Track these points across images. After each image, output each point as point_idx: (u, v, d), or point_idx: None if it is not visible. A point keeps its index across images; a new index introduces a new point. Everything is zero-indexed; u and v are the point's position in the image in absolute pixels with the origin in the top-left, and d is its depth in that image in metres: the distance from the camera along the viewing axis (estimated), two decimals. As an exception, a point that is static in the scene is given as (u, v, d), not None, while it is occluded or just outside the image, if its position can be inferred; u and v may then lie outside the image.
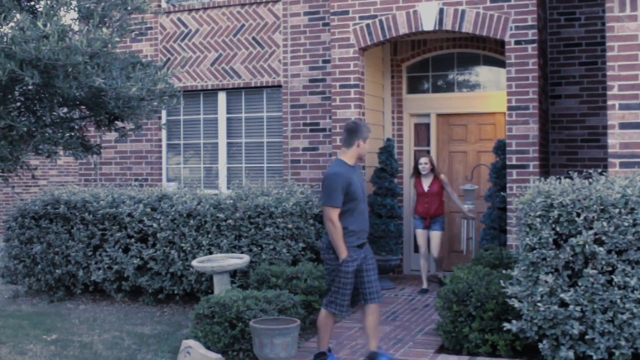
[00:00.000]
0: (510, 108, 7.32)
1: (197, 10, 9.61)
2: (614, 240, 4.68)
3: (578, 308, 4.75)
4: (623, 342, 4.67)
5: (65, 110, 6.25)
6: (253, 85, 9.28)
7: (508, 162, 7.30)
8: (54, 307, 7.88)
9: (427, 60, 9.23)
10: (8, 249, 8.40)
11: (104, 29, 5.06)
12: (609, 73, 5.98)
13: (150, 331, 6.65)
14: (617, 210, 4.68)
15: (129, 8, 5.93)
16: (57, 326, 6.90)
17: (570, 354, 4.80)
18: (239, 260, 6.51)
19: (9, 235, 8.42)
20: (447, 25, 7.60)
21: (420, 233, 8.23)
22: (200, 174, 9.77)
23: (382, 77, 9.23)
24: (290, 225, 7.16)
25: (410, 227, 9.05)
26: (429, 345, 5.81)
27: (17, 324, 7.01)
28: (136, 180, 9.95)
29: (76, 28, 5.53)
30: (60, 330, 6.72)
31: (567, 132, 8.34)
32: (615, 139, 5.93)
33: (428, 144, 9.20)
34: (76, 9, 5.75)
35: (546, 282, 4.84)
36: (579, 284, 4.78)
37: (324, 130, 8.86)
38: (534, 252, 4.90)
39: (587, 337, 4.78)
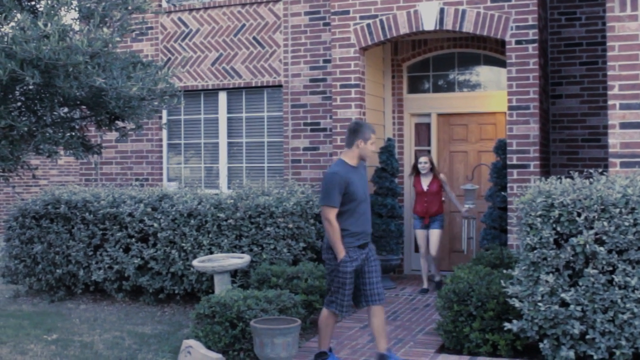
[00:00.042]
0: (511, 108, 7.32)
1: (198, 10, 9.61)
2: (614, 240, 4.68)
3: (579, 308, 4.75)
4: (624, 342, 4.67)
5: (66, 110, 6.25)
6: (254, 85, 9.29)
7: (509, 162, 7.30)
8: (54, 306, 7.88)
9: (428, 60, 9.23)
10: (9, 248, 8.41)
11: (105, 29, 5.05)
12: (609, 73, 5.98)
13: (151, 331, 6.66)
14: (617, 210, 4.68)
15: (129, 8, 5.92)
16: (57, 326, 6.90)
17: (571, 353, 4.80)
18: (239, 260, 6.51)
19: (9, 235, 8.42)
20: (448, 25, 7.59)
21: (420, 233, 8.23)
22: (201, 174, 9.78)
23: (382, 76, 9.22)
24: (290, 225, 7.16)
25: (411, 227, 9.04)
26: (429, 345, 5.82)
27: (18, 323, 7.02)
28: (137, 180, 9.95)
29: (77, 28, 5.53)
30: (61, 330, 6.72)
31: (568, 131, 8.34)
32: (615, 139, 5.93)
33: (429, 144, 9.20)
34: (77, 8, 5.75)
35: (547, 281, 4.84)
36: (580, 283, 4.78)
37: (324, 130, 8.86)
38: (535, 251, 4.90)
39: (587, 336, 4.78)
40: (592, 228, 4.78)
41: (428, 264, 8.33)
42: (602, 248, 4.67)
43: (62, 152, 6.95)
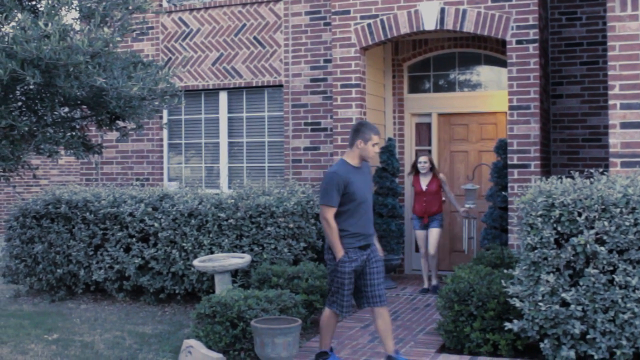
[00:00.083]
0: (511, 107, 7.31)
1: (199, 9, 9.61)
2: (615, 240, 4.68)
3: (579, 307, 4.75)
4: (624, 342, 4.67)
5: (67, 109, 6.26)
6: (254, 84, 9.29)
7: (509, 162, 7.30)
8: (55, 306, 7.88)
9: (429, 59, 9.23)
10: (9, 248, 8.41)
11: (105, 29, 5.06)
12: (610, 73, 5.98)
13: (152, 331, 6.66)
14: (618, 210, 4.68)
15: (130, 7, 5.93)
16: (58, 326, 6.90)
17: (572, 353, 4.80)
18: (240, 259, 6.51)
19: (10, 234, 8.43)
20: (449, 24, 7.59)
21: (420, 234, 8.22)
22: (202, 174, 9.78)
23: (383, 76, 9.22)
24: (291, 225, 7.17)
25: (412, 227, 9.04)
26: (430, 345, 5.82)
27: (19, 323, 7.02)
28: (137, 179, 9.95)
29: (77, 27, 5.53)
30: (62, 330, 6.72)
31: (569, 131, 8.34)
32: (616, 139, 5.93)
33: (429, 144, 9.20)
34: (77, 8, 5.75)
35: (547, 281, 4.84)
36: (580, 283, 4.78)
37: (325, 129, 8.86)
38: (535, 251, 4.90)
39: (588, 336, 4.78)
40: (592, 228, 4.78)
41: (428, 264, 8.32)
42: (602, 248, 4.67)
43: (62, 152, 6.95)
